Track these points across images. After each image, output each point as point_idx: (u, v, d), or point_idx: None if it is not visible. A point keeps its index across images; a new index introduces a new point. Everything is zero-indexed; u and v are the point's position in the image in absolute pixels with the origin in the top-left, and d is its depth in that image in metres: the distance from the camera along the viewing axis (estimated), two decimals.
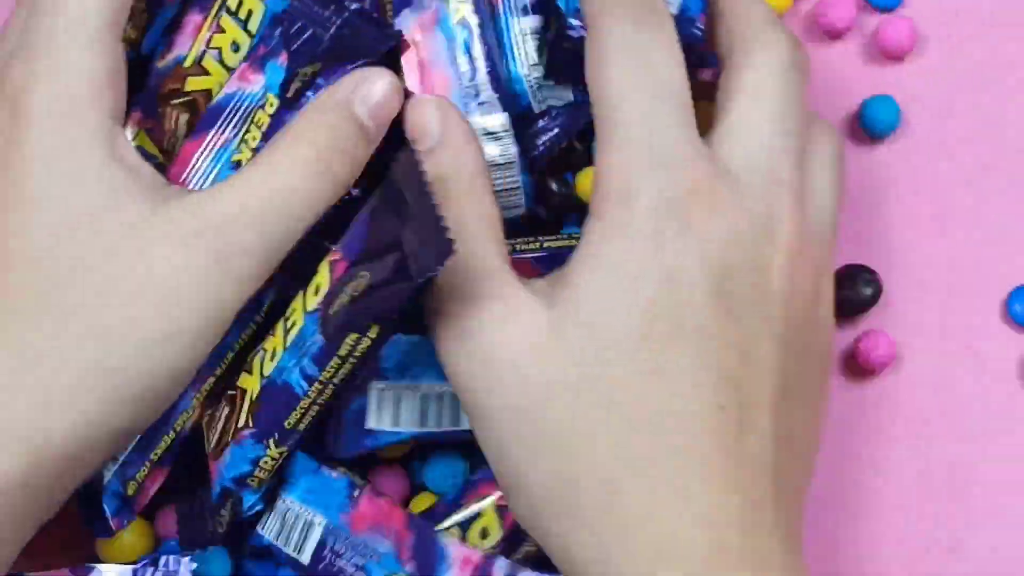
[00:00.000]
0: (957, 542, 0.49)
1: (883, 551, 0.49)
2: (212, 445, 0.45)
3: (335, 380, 0.42)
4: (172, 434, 0.45)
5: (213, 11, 0.45)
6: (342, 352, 0.41)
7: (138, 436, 0.44)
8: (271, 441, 0.43)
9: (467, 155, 0.40)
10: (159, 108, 0.44)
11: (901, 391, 0.49)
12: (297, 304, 0.43)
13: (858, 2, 0.51)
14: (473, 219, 0.40)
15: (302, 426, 0.43)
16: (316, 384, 0.42)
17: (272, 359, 0.43)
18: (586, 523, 0.38)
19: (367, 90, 0.41)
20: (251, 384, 0.44)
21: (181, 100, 0.44)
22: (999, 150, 0.50)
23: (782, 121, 0.41)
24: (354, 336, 0.40)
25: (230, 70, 0.45)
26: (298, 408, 0.42)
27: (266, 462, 0.43)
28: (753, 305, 0.39)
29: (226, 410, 0.45)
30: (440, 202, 0.38)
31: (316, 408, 0.43)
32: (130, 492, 0.45)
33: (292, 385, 0.42)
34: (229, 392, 0.45)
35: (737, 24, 0.42)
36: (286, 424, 0.43)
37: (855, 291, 0.49)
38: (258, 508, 0.45)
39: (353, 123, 0.41)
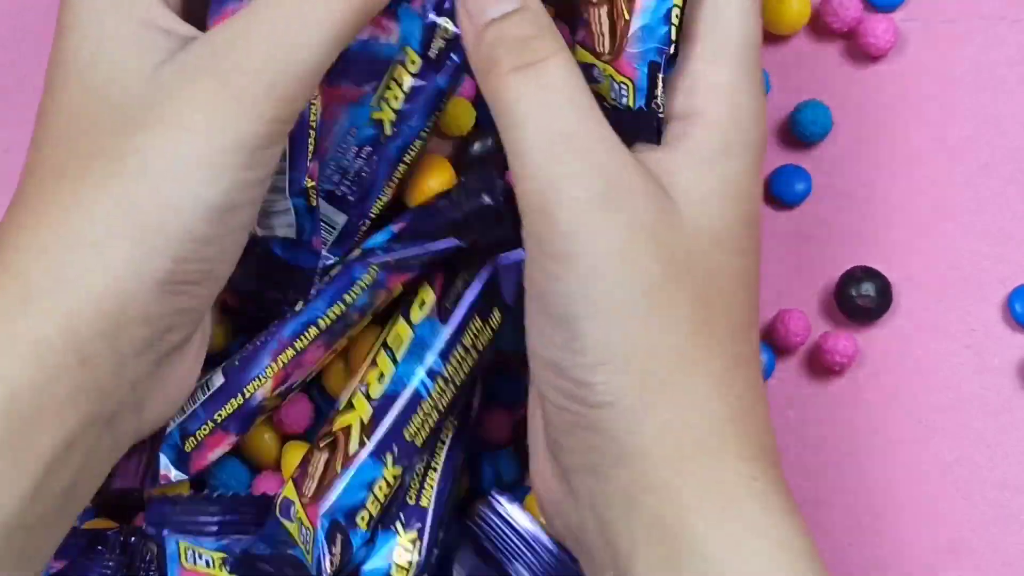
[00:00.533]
0: (957, 542, 0.49)
1: (883, 551, 0.49)
2: (309, 494, 0.45)
3: (458, 377, 0.45)
4: (241, 398, 0.45)
5: None
6: (466, 341, 0.44)
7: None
8: (388, 457, 0.44)
9: (545, 17, 0.40)
10: None
11: (901, 390, 0.49)
12: (398, 329, 0.45)
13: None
14: (578, 80, 0.39)
15: (419, 440, 0.44)
16: (439, 381, 0.44)
17: (381, 381, 0.44)
18: (667, 387, 0.39)
19: None
20: (357, 415, 0.44)
21: None
22: (999, 150, 0.50)
23: None
24: (478, 324, 0.44)
25: None
26: (420, 412, 0.44)
27: (381, 487, 0.44)
28: None
29: (325, 455, 0.45)
30: (527, 61, 0.39)
31: (435, 415, 0.44)
32: (187, 448, 0.45)
33: (416, 390, 0.44)
34: (326, 439, 0.45)
35: None
36: (405, 435, 0.44)
37: (864, 298, 0.49)
38: (362, 556, 0.44)
39: None
